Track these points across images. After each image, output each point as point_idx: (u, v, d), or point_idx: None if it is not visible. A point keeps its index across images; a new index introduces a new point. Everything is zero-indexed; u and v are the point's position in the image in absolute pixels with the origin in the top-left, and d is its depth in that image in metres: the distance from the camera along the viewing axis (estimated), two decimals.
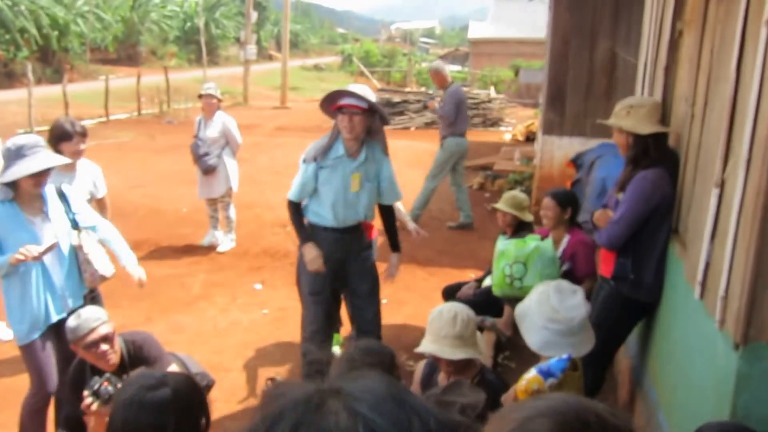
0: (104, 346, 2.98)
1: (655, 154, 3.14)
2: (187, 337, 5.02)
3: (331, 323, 4.15)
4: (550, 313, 2.63)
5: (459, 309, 2.82)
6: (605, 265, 3.41)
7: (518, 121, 17.71)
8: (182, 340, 4.90)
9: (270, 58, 41.19)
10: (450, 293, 4.98)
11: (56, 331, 3.46)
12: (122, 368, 3.05)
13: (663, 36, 3.76)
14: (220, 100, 6.88)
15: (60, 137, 4.14)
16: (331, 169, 3.71)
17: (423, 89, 21.76)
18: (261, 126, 17.10)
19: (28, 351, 3.45)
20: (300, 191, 3.77)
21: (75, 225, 3.57)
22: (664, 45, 3.69)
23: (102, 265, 3.66)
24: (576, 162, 7.27)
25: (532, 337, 2.66)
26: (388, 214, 4.07)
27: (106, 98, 17.77)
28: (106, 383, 2.76)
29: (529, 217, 4.66)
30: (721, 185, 2.39)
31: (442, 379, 2.91)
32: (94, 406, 2.74)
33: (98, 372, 2.96)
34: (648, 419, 3.25)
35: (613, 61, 7.60)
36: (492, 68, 30.88)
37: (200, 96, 6.84)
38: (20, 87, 22.75)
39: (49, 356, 3.50)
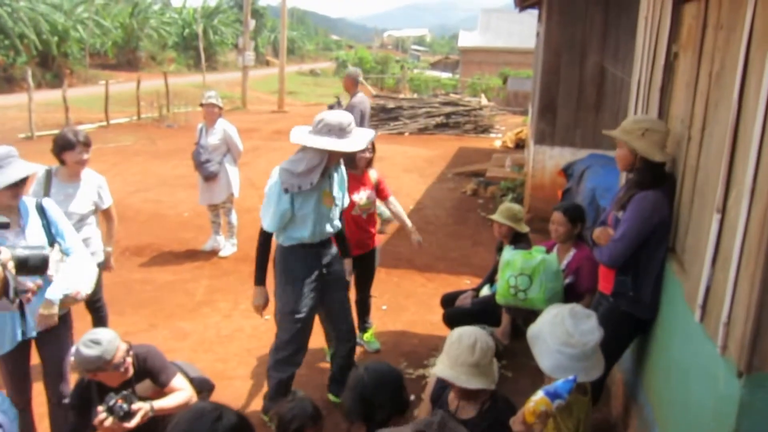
0: (128, 360, 3.05)
1: (658, 177, 3.22)
2: (190, 344, 5.11)
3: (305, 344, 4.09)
4: (565, 338, 2.65)
5: (479, 336, 2.77)
6: (605, 281, 3.49)
7: (507, 128, 17.97)
8: (186, 348, 5.02)
9: (267, 63, 41.45)
10: (448, 301, 5.13)
11: (26, 346, 3.40)
12: (128, 382, 3.09)
13: (658, 57, 3.77)
14: (221, 109, 7.09)
15: (63, 147, 4.15)
16: (307, 193, 3.72)
17: (416, 95, 22.02)
18: (259, 130, 17.31)
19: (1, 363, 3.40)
20: (279, 221, 3.73)
21: (52, 241, 3.33)
22: (659, 66, 3.71)
23: (81, 283, 3.40)
24: (567, 171, 7.50)
25: (545, 361, 2.69)
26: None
27: (106, 103, 17.94)
28: (120, 401, 2.87)
29: (524, 228, 4.81)
30: (722, 211, 2.41)
31: (452, 399, 2.91)
32: (108, 422, 2.84)
33: (104, 389, 3.03)
34: None
35: (602, 74, 7.86)
36: (481, 76, 31.28)
37: (202, 105, 7.05)
38: (20, 92, 22.91)
39: (25, 370, 3.47)
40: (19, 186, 3.16)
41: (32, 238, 3.23)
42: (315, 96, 28.50)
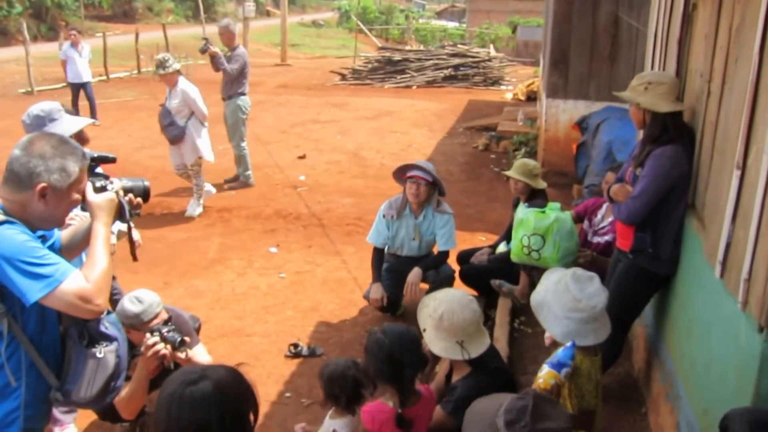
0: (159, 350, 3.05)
1: (673, 131, 3.17)
2: (206, 302, 5.09)
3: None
4: (572, 303, 2.64)
5: (466, 302, 2.92)
6: (623, 239, 3.47)
7: (518, 79, 17.63)
8: (202, 305, 4.99)
9: (268, 14, 40.58)
10: (464, 258, 5.11)
11: None
12: None
13: (676, 9, 3.70)
14: (178, 72, 6.82)
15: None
16: (399, 223, 4.73)
17: (422, 47, 21.58)
18: (264, 84, 17.02)
19: None
20: (376, 237, 4.84)
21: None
22: (677, 18, 3.65)
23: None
24: (581, 125, 7.37)
25: (554, 329, 2.68)
26: (440, 254, 4.86)
27: (104, 56, 17.62)
28: (170, 331, 3.01)
29: (541, 184, 4.73)
30: (743, 168, 2.40)
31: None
32: (164, 350, 2.95)
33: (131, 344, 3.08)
34: (667, 388, 3.31)
35: (616, 24, 7.63)
36: (489, 25, 30.55)
37: (159, 75, 6.81)
38: (16, 45, 22.51)
39: None
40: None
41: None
42: (318, 48, 27.97)
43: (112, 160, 2.33)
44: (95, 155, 2.25)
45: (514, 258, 4.32)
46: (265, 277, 5.59)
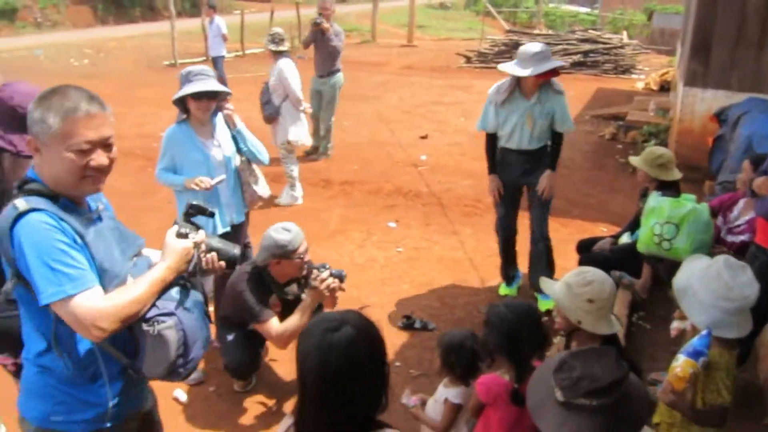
0: (306, 257, 3.50)
1: None
2: None
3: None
4: (723, 291, 2.49)
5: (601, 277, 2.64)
6: (763, 234, 3.31)
7: (651, 68, 16.77)
8: None
9: None
10: (584, 247, 4.98)
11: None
12: (296, 281, 3.67)
13: None
14: (280, 52, 6.89)
15: None
16: (510, 109, 4.43)
17: (551, 32, 20.95)
18: (389, 63, 17.25)
19: None
20: (483, 122, 4.60)
21: (239, 150, 3.98)
22: None
23: (260, 188, 4.11)
24: (720, 117, 6.96)
25: (699, 316, 2.55)
26: (556, 138, 4.62)
27: (241, 33, 18.45)
28: (332, 269, 3.44)
29: (674, 175, 4.42)
30: None
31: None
32: (336, 283, 3.42)
33: (273, 281, 3.56)
34: None
35: None
36: (623, 11, 29.07)
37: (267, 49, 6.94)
38: (161, 20, 24.07)
39: None
40: (204, 100, 3.69)
41: (224, 147, 3.87)
42: (444, 30, 27.79)
43: (210, 215, 2.24)
44: (194, 203, 2.21)
45: (641, 248, 4.14)
46: (382, 250, 5.74)
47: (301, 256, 3.45)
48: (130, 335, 1.96)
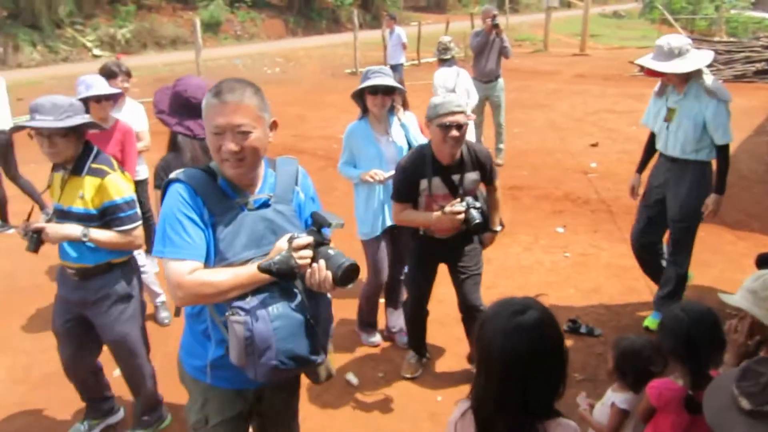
0: (455, 133, 3.32)
1: None
2: (493, 269, 5.45)
3: None
4: None
5: None
6: None
7: None
8: (489, 271, 5.21)
9: (569, 5, 39.87)
10: (765, 262, 4.76)
11: (390, 234, 4.20)
12: (459, 165, 3.54)
13: None
14: (444, 60, 6.97)
15: (107, 76, 4.75)
16: (661, 100, 4.32)
17: (733, 39, 19.47)
18: (560, 72, 17.08)
19: (368, 245, 4.18)
20: (645, 118, 4.54)
21: (410, 147, 4.05)
22: None
23: None
24: None
25: None
26: (719, 153, 4.18)
27: (418, 43, 19.25)
28: (476, 209, 3.32)
29: None
30: None
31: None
32: (460, 218, 3.33)
33: (438, 166, 3.45)
34: None
35: None
36: None
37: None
38: (344, 32, 25.52)
39: (384, 253, 4.22)
40: (378, 96, 3.90)
41: (398, 143, 4.06)
42: (617, 39, 26.82)
43: (328, 225, 2.11)
44: (322, 214, 2.13)
45: None
46: (549, 254, 5.85)
47: (447, 130, 3.34)
48: None
